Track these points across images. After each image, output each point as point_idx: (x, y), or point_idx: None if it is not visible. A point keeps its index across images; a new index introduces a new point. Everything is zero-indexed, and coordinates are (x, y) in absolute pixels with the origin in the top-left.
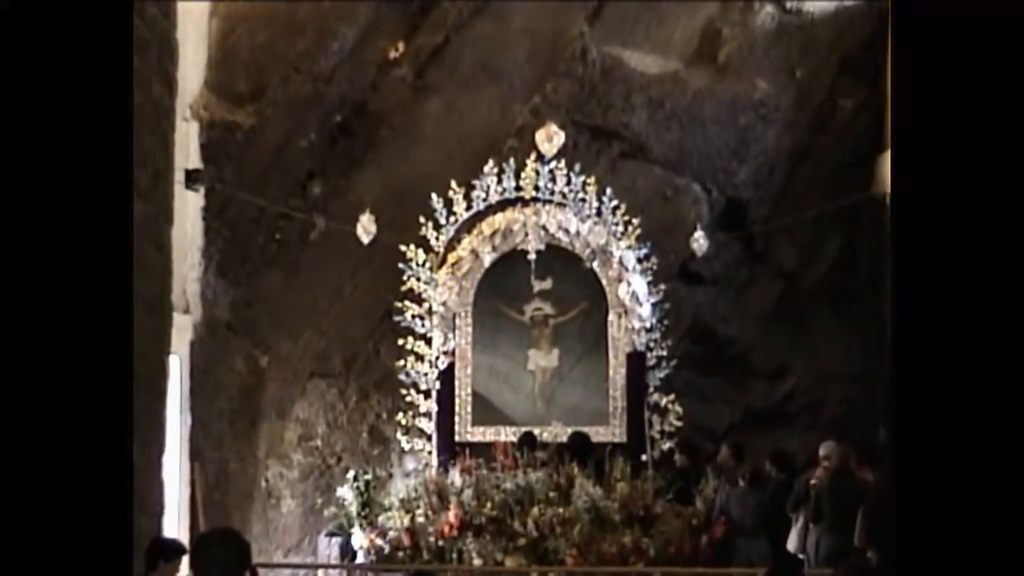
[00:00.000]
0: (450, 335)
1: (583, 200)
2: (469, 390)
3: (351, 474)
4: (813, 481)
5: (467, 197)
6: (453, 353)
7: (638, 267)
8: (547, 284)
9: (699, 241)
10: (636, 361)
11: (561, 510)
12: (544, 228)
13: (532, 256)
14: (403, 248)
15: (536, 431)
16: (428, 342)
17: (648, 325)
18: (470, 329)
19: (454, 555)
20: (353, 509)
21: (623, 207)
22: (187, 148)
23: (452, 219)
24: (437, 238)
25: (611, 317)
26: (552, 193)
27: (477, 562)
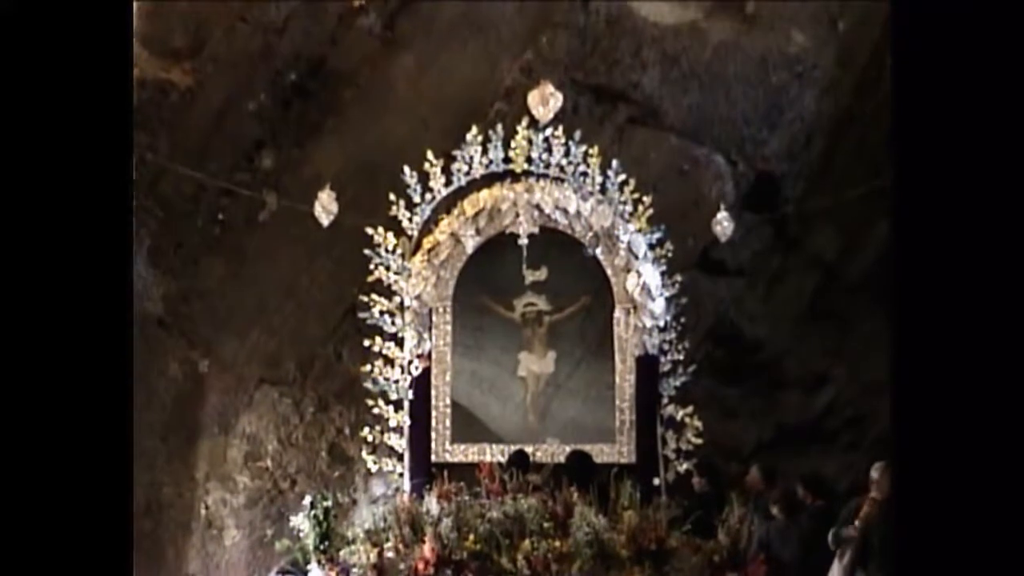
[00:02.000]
0: (425, 335)
1: (584, 175)
2: (448, 401)
3: (307, 500)
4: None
5: (446, 171)
6: (429, 356)
7: (649, 255)
8: (541, 275)
9: (722, 224)
10: (647, 367)
11: (558, 544)
12: (538, 208)
13: (524, 241)
14: (369, 231)
15: (528, 449)
16: (399, 343)
17: (661, 324)
18: (449, 328)
19: None
20: (310, 542)
21: (632, 183)
22: None
23: (428, 197)
24: (410, 219)
25: (617, 314)
26: (547, 166)
27: None
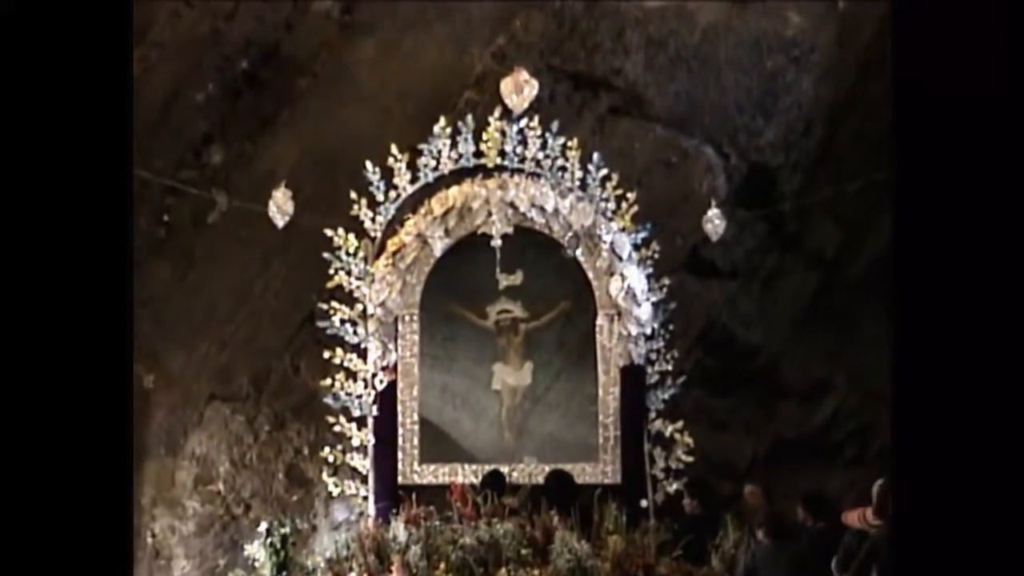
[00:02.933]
0: (391, 346)
1: (562, 169)
2: (416, 417)
3: (263, 527)
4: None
5: (412, 166)
6: (395, 369)
7: (634, 256)
8: (516, 279)
9: (713, 221)
10: (633, 378)
11: (537, 572)
12: (512, 206)
13: (497, 242)
14: (329, 233)
15: (504, 470)
16: (362, 355)
17: (648, 331)
18: (417, 338)
19: None
20: (266, 572)
21: (614, 178)
22: None
23: (392, 195)
24: (373, 220)
25: (600, 321)
26: (522, 160)
27: None
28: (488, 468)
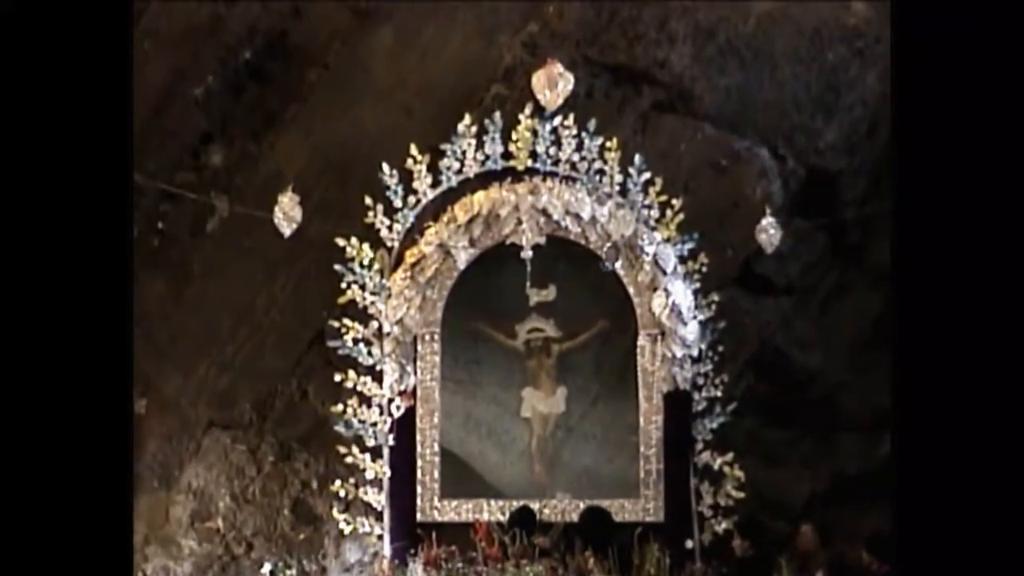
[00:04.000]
0: (409, 368)
1: (600, 173)
2: (436, 448)
3: (267, 568)
4: None
5: (433, 169)
6: (413, 394)
7: (680, 269)
8: (549, 294)
9: (768, 231)
10: (678, 405)
11: None
12: (544, 213)
13: (528, 254)
14: (341, 242)
15: (534, 506)
16: (377, 378)
17: (694, 353)
18: (438, 359)
19: None
20: None
21: (658, 182)
22: None
23: (412, 201)
24: (390, 228)
25: (641, 341)
26: (556, 163)
27: None
28: (517, 504)
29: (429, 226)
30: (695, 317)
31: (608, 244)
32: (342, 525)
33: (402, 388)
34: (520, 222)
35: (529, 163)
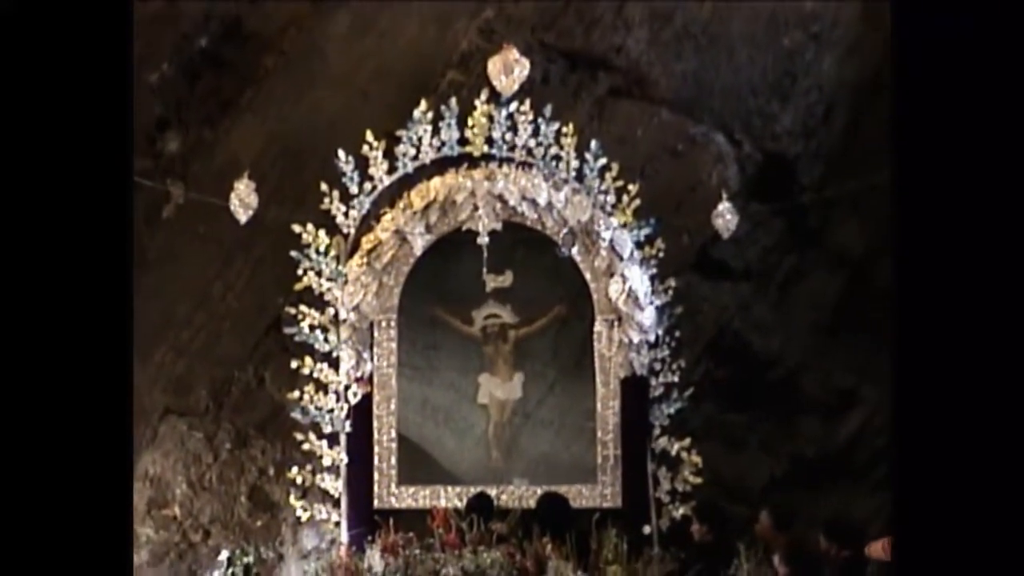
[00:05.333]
0: (365, 354)
1: (557, 159)
2: (393, 434)
3: (224, 555)
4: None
5: (389, 155)
6: (370, 380)
7: (637, 254)
8: (506, 280)
9: (725, 216)
10: (635, 390)
11: None
12: (501, 199)
13: (484, 239)
14: (297, 229)
15: (491, 492)
16: (334, 365)
17: (652, 338)
18: (394, 346)
19: None
20: None
21: (614, 168)
22: None
23: (368, 187)
24: (346, 214)
25: (598, 327)
26: (512, 148)
27: None
28: (474, 490)
29: (385, 212)
30: (652, 302)
31: (565, 230)
32: (299, 512)
33: (359, 375)
34: (476, 208)
35: (485, 149)
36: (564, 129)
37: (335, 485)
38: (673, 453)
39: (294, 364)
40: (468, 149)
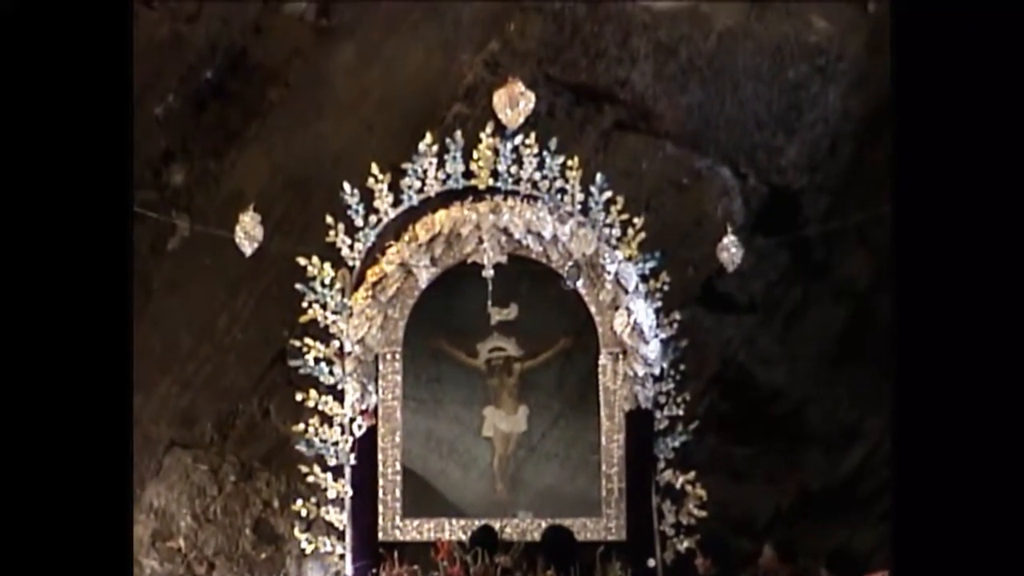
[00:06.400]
0: (370, 387)
1: (562, 192)
2: (398, 467)
3: None
4: None
5: (394, 187)
6: (375, 413)
7: (642, 287)
8: (510, 313)
9: (730, 249)
10: (640, 423)
11: None
12: (506, 232)
13: (489, 272)
14: (302, 262)
15: (496, 525)
16: (339, 397)
17: (656, 371)
18: (399, 378)
19: None
20: None
21: (619, 201)
22: None
23: (373, 220)
24: (351, 247)
25: (603, 360)
26: (517, 181)
27: None
28: (478, 523)
29: (390, 245)
30: (657, 336)
31: (570, 263)
32: (304, 544)
33: (363, 407)
34: (481, 241)
35: (490, 182)
36: (569, 162)
37: (339, 517)
38: (678, 486)
39: (299, 397)
40: (473, 182)
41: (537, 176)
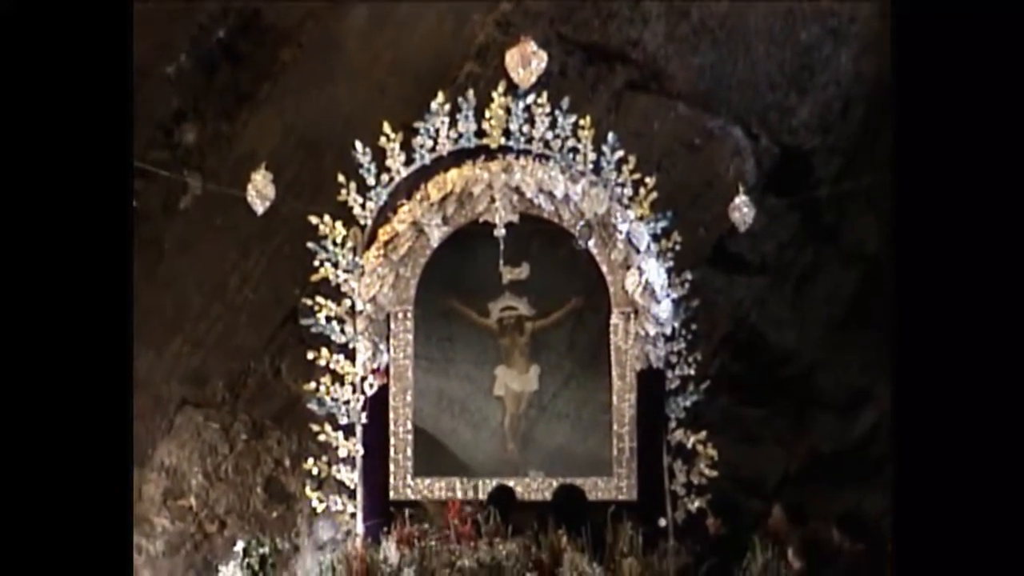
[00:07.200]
0: (382, 346)
1: (574, 151)
2: (409, 426)
3: (239, 546)
4: None
5: (406, 147)
6: (386, 372)
7: (653, 247)
8: (522, 272)
9: (741, 210)
10: (651, 383)
11: None
12: (518, 191)
13: (501, 232)
14: (314, 220)
15: (508, 484)
16: (350, 356)
17: (668, 331)
18: (411, 337)
19: None
20: None
21: (631, 161)
22: None
23: (385, 179)
24: (363, 206)
25: (614, 320)
26: (529, 141)
27: None
28: (489, 482)
29: (402, 204)
30: (668, 295)
31: (581, 222)
32: (315, 503)
33: (375, 366)
34: (493, 200)
35: (502, 141)
36: (581, 122)
37: (351, 476)
38: (689, 446)
39: (310, 355)
40: (485, 141)
41: (549, 135)
